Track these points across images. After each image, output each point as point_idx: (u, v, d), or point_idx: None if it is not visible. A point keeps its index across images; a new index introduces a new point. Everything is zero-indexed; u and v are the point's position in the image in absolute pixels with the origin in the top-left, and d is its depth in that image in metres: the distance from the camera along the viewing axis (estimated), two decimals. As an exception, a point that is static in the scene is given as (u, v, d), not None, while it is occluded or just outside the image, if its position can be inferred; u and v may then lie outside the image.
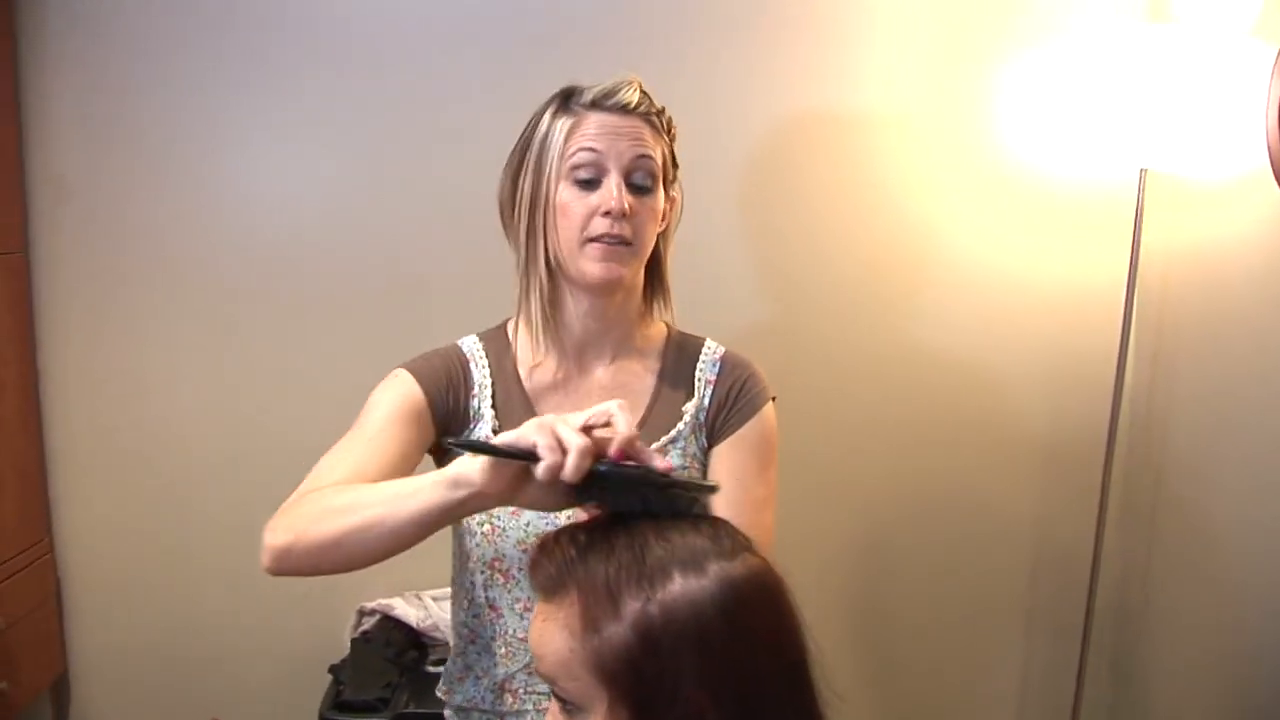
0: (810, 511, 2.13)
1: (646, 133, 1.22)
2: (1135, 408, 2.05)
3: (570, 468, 0.84)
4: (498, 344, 1.31)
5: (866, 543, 2.17)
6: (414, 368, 1.26)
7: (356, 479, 1.11)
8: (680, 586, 0.76)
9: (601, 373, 1.30)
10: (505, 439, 0.89)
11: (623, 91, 1.21)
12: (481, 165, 1.36)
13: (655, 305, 1.33)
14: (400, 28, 1.99)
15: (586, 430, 0.88)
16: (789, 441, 2.06)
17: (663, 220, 1.28)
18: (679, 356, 1.33)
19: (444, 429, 1.24)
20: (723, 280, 2.06)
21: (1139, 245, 1.89)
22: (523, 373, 1.29)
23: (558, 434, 0.86)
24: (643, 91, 1.24)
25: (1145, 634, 2.10)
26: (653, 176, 1.23)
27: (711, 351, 1.34)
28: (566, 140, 1.20)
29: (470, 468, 0.93)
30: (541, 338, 1.26)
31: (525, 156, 1.24)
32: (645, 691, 0.74)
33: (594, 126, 1.20)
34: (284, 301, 2.08)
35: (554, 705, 0.82)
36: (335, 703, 1.80)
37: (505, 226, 1.28)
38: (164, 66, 2.00)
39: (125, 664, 2.21)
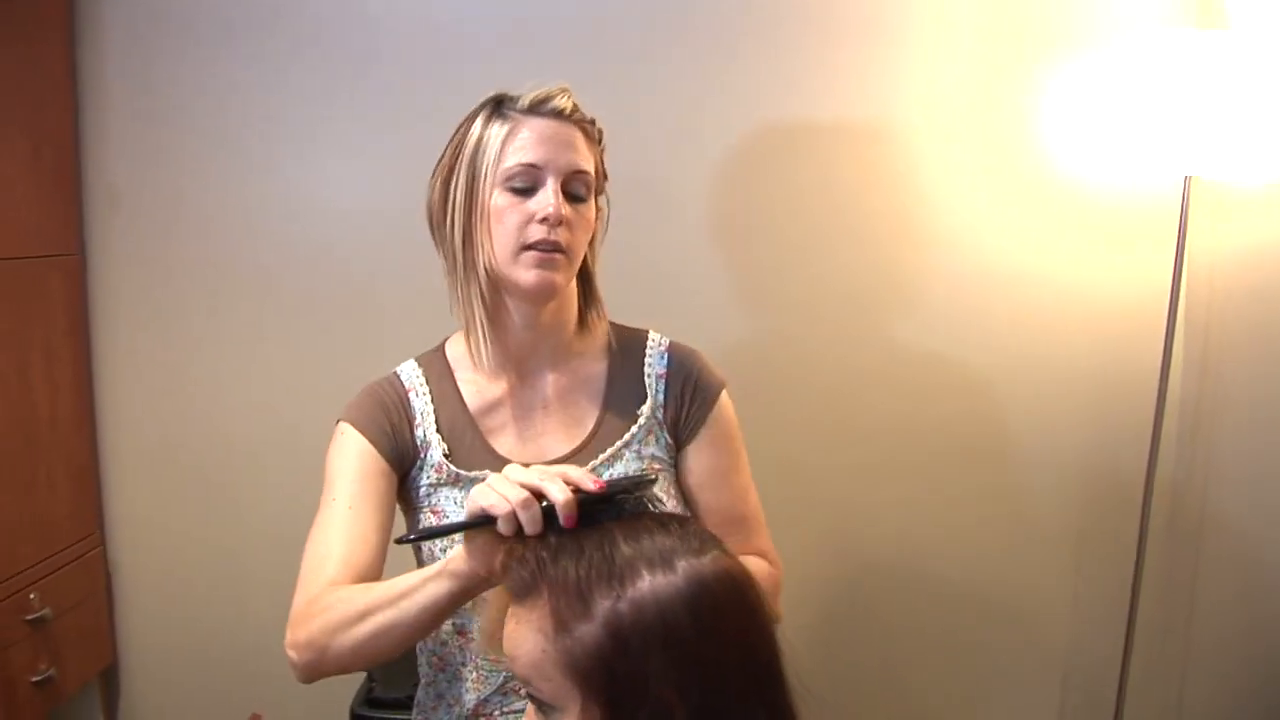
0: (835, 523, 2.12)
1: (580, 140, 1.21)
2: (1183, 417, 2.00)
3: (524, 516, 0.87)
4: (438, 367, 1.30)
5: (899, 555, 2.13)
6: (354, 418, 1.25)
7: (353, 561, 1.15)
8: (649, 584, 0.77)
9: (545, 384, 1.29)
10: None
11: (557, 98, 1.20)
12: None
13: (590, 314, 1.31)
14: (450, 26, 2.02)
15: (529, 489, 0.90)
16: (827, 454, 2.07)
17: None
18: (625, 356, 1.31)
19: (399, 466, 1.24)
20: (757, 289, 2.06)
21: (1183, 253, 1.86)
22: (465, 393, 1.27)
23: (497, 490, 0.89)
24: (574, 101, 1.22)
25: (1190, 653, 2.06)
26: (587, 186, 1.22)
27: (656, 344, 1.32)
28: (503, 146, 1.19)
29: (455, 556, 0.98)
30: (481, 348, 1.24)
31: (456, 162, 1.22)
32: (617, 690, 0.75)
33: (531, 132, 1.19)
34: (332, 304, 2.12)
35: (529, 707, 0.83)
36: (366, 699, 1.83)
37: (434, 234, 1.26)
38: (214, 75, 2.06)
39: (172, 658, 2.26)
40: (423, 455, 1.25)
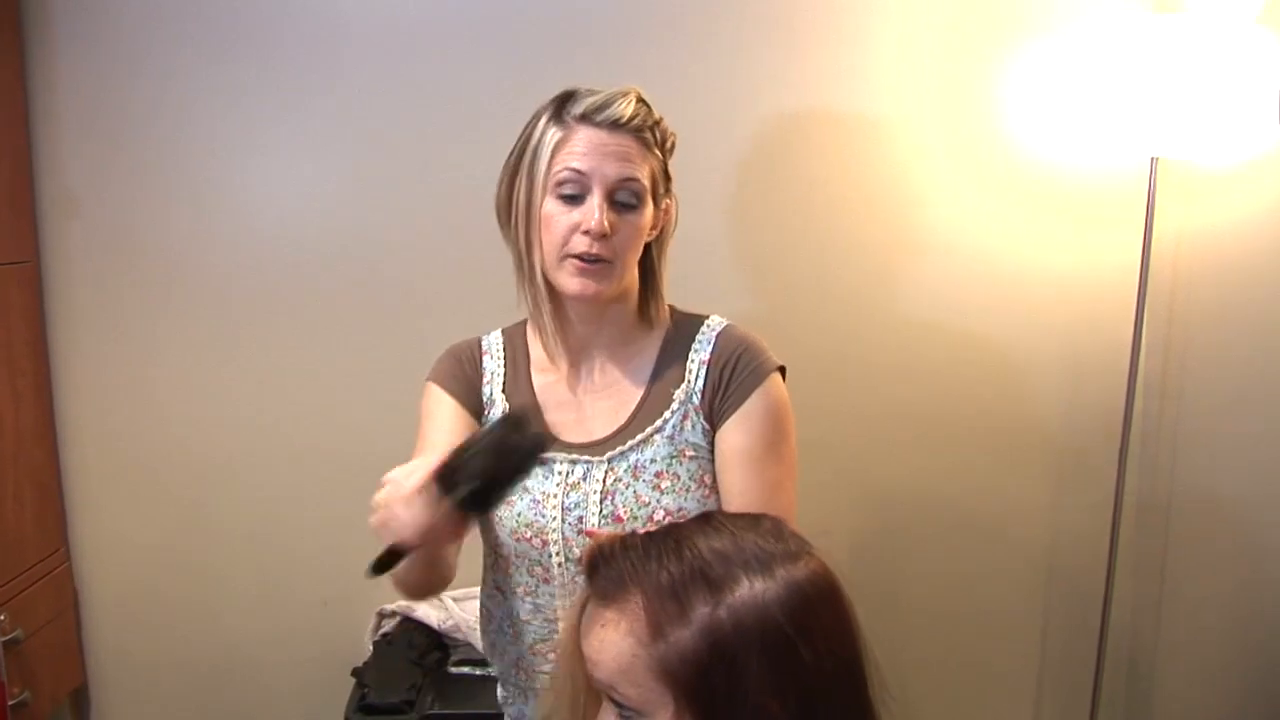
0: (819, 505, 2.13)
1: (635, 150, 1.20)
2: (1149, 396, 2.05)
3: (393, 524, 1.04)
4: (518, 340, 1.35)
5: (872, 534, 2.15)
6: (436, 375, 1.34)
7: None
8: (748, 590, 0.76)
9: (597, 369, 1.31)
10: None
11: (615, 105, 1.19)
12: (493, 169, 1.33)
13: (649, 310, 1.31)
14: (405, 32, 1.98)
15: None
16: (814, 430, 2.07)
17: (654, 230, 1.27)
18: (676, 340, 1.31)
19: (478, 417, 1.32)
20: (734, 280, 2.06)
21: (1151, 233, 1.90)
22: (534, 369, 1.32)
23: (383, 520, 1.04)
24: (640, 102, 1.21)
25: (1163, 625, 2.12)
26: (637, 195, 1.21)
27: (710, 329, 1.31)
28: (554, 154, 1.20)
29: None
30: (545, 341, 1.29)
31: (520, 163, 1.24)
32: (714, 696, 0.74)
33: (581, 143, 1.19)
34: (294, 309, 2.08)
35: (608, 708, 0.81)
36: (360, 705, 1.79)
37: (502, 229, 1.29)
38: (168, 79, 2.00)
39: (145, 673, 2.20)
40: (488, 411, 1.32)
